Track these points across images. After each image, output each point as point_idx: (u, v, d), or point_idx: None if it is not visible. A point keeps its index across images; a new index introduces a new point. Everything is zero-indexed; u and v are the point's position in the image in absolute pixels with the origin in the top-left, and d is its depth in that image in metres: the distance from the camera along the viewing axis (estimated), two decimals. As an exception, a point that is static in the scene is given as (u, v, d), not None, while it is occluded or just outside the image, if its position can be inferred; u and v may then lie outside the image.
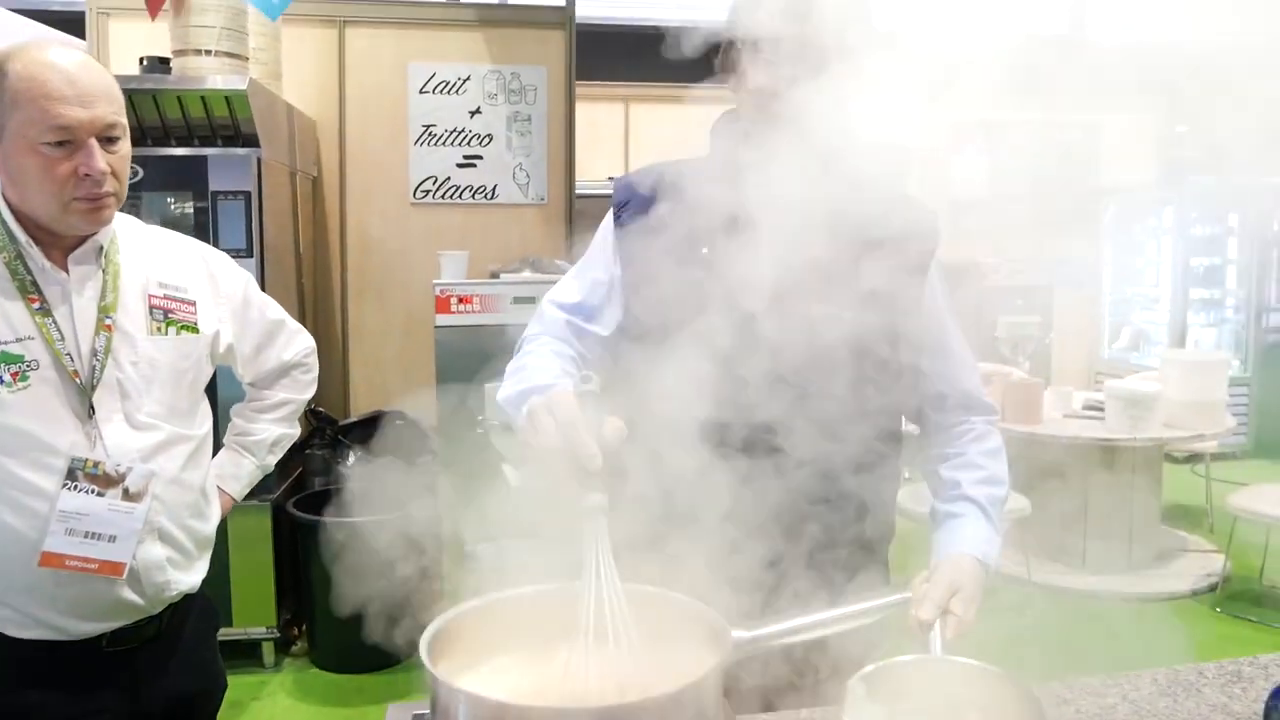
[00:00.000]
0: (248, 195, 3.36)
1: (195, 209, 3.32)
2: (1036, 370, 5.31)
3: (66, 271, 1.44)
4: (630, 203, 1.38)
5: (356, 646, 3.68)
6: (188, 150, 3.31)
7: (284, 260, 3.67)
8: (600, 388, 1.05)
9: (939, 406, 1.42)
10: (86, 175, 1.37)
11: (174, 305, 1.54)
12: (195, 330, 1.56)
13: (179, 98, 3.17)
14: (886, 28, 1.30)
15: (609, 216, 1.41)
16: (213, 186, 3.35)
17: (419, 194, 4.20)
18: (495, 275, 3.76)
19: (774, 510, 1.23)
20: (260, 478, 1.86)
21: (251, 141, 3.37)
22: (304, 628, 3.80)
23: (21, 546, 1.39)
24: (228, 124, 3.35)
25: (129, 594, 1.47)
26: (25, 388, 1.38)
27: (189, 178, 3.30)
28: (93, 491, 1.40)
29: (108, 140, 1.40)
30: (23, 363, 1.38)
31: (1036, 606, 4.07)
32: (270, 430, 1.84)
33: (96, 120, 1.38)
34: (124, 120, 1.44)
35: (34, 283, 1.42)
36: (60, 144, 1.36)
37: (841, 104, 1.20)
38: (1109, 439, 4.37)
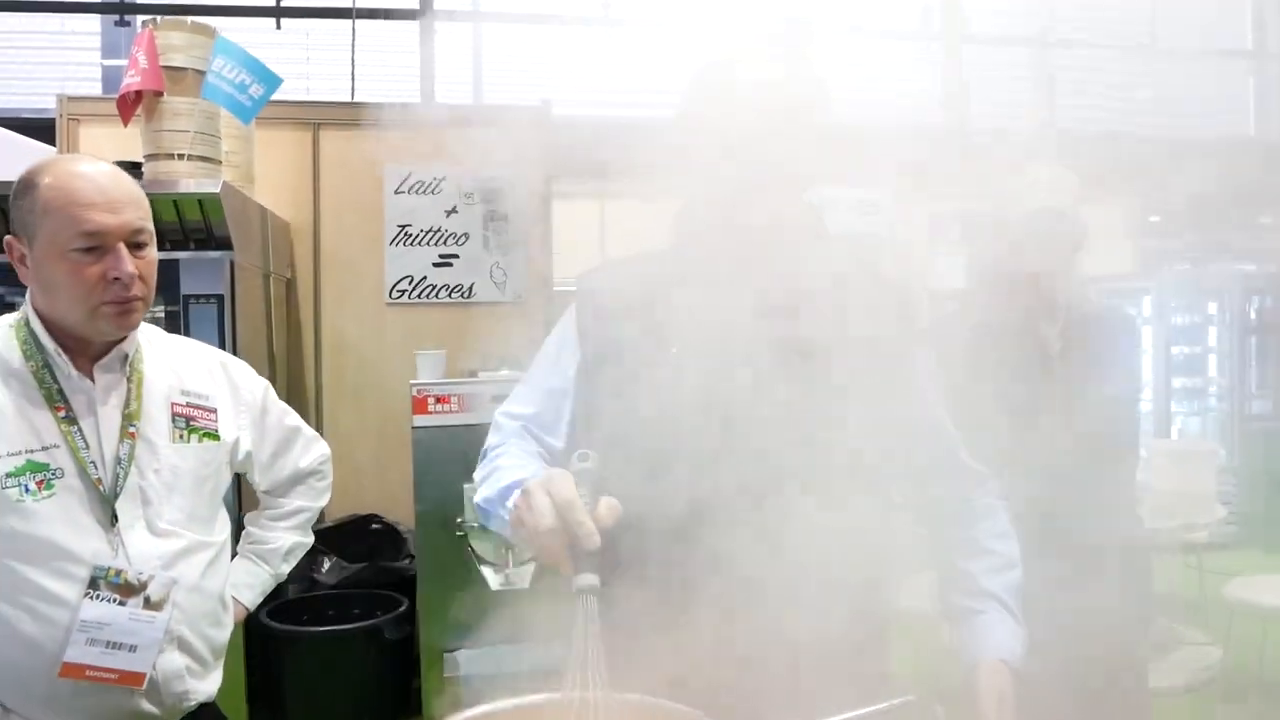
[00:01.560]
0: (220, 299, 3.35)
1: (167, 313, 3.31)
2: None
3: (92, 380, 1.47)
4: (593, 303, 1.37)
5: (334, 759, 3.58)
6: (159, 254, 3.29)
7: (257, 364, 3.61)
8: (596, 464, 1.05)
9: (938, 486, 1.40)
10: (115, 279, 1.42)
11: (196, 413, 1.57)
12: (216, 438, 1.59)
13: (151, 202, 3.16)
14: (846, 119, 1.32)
15: (568, 316, 1.40)
16: (185, 290, 3.35)
17: (395, 294, 4.21)
18: (473, 374, 3.75)
19: (761, 610, 1.18)
20: (273, 586, 1.86)
21: (224, 244, 3.38)
22: (278, 742, 3.66)
23: (40, 657, 1.38)
24: (200, 227, 3.36)
25: (146, 705, 1.45)
26: (50, 496, 1.40)
27: (161, 282, 3.25)
28: (114, 600, 1.41)
29: (135, 246, 1.45)
30: (48, 471, 1.40)
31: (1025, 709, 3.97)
32: (285, 538, 1.84)
33: (125, 226, 1.43)
34: (151, 227, 1.50)
35: (60, 391, 1.44)
36: (89, 250, 1.40)
37: (800, 196, 1.22)
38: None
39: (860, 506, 1.21)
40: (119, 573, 1.41)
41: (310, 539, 1.91)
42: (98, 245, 1.41)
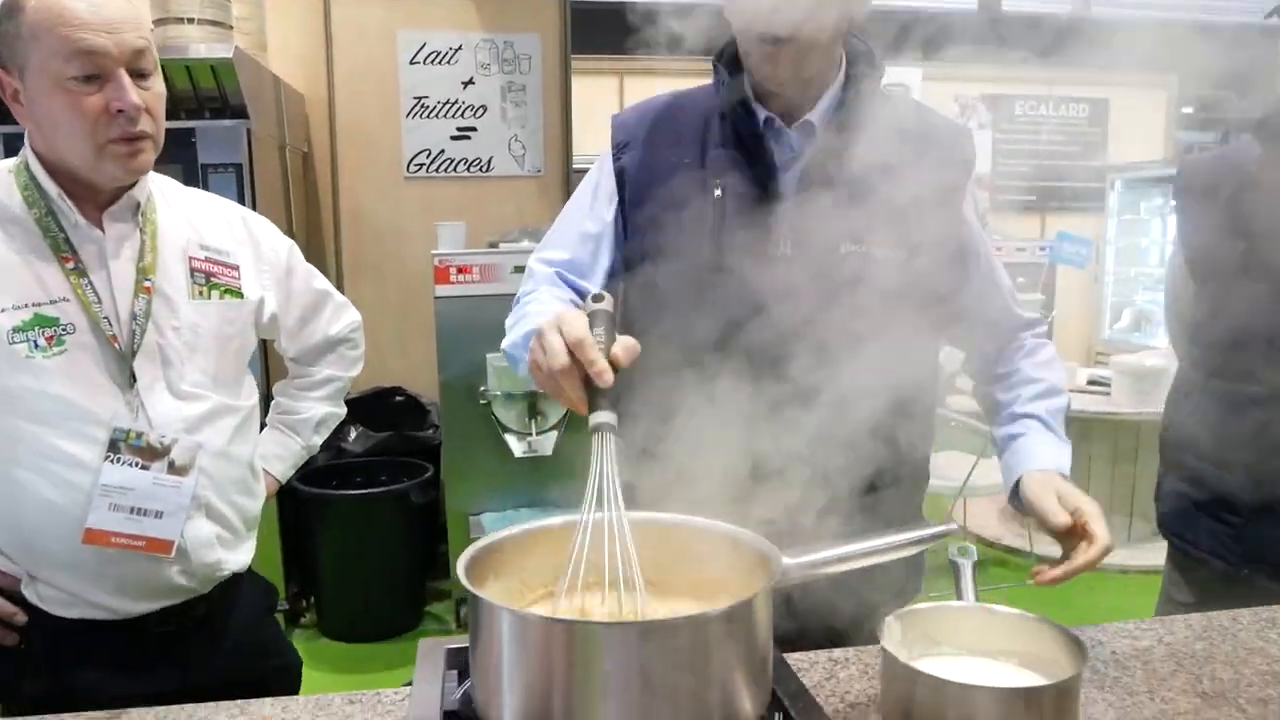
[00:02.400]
0: (239, 168, 3.31)
1: (185, 184, 3.27)
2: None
3: (102, 230, 1.37)
4: (630, 143, 1.36)
5: (365, 616, 3.75)
6: (174, 123, 3.23)
7: (276, 237, 3.63)
8: (613, 307, 1.04)
9: (985, 323, 1.41)
10: (120, 111, 1.28)
11: (216, 269, 1.47)
12: (239, 295, 1.49)
13: (162, 68, 3.11)
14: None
15: (603, 161, 1.39)
16: (202, 159, 3.30)
17: (413, 168, 4.17)
18: (494, 245, 3.74)
19: (797, 446, 1.19)
20: (305, 459, 1.80)
21: (240, 113, 3.32)
22: (312, 600, 3.84)
23: (62, 522, 1.33)
24: (215, 95, 3.30)
25: (177, 575, 1.41)
26: (61, 353, 1.31)
27: (177, 151, 3.24)
28: (137, 464, 1.34)
29: (138, 75, 1.31)
30: (58, 326, 1.31)
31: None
32: (316, 409, 1.78)
33: (124, 47, 1.28)
34: (154, 53, 1.35)
35: (67, 240, 1.34)
36: (88, 79, 1.27)
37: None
38: (1114, 413, 4.38)
39: (905, 339, 1.21)
40: (140, 435, 1.34)
41: (342, 410, 1.85)
42: (96, 73, 1.27)
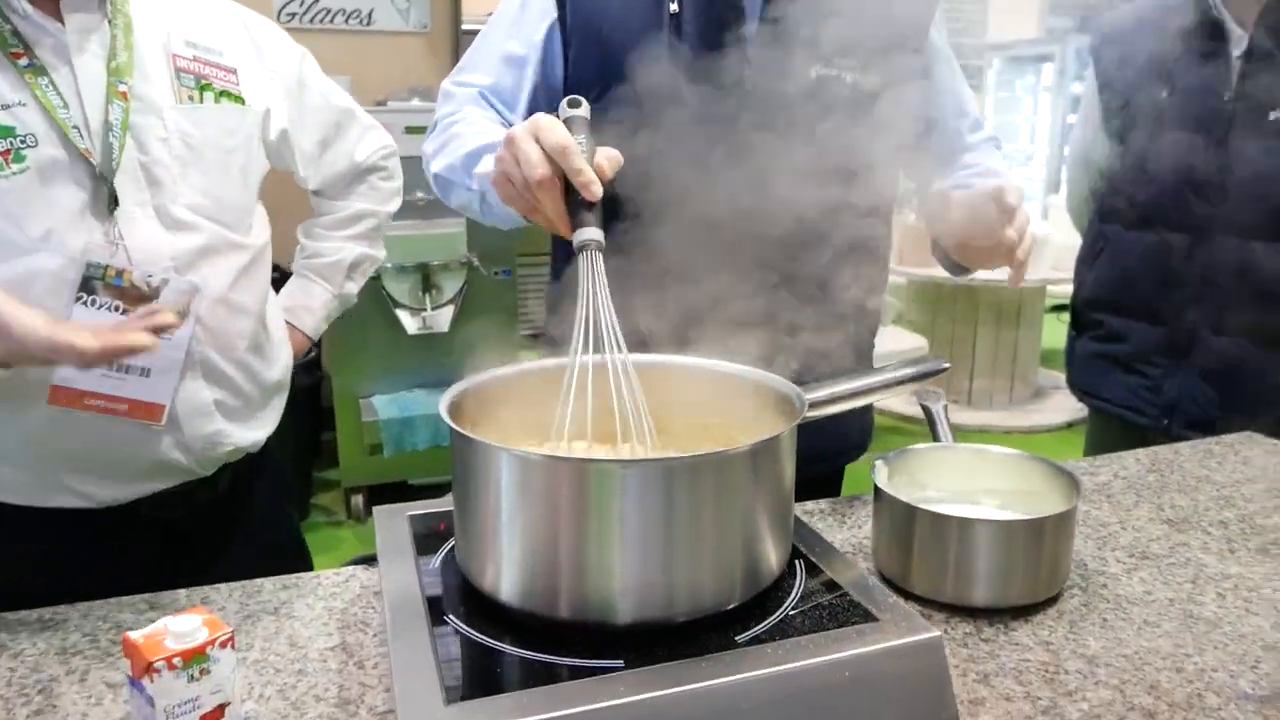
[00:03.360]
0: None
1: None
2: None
3: (61, 21, 1.09)
4: None
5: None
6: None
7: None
8: (588, 112, 0.92)
9: (943, 153, 1.36)
10: None
11: (208, 70, 1.20)
12: (240, 100, 1.22)
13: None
14: None
15: None
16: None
17: (285, 16, 3.81)
18: (382, 103, 3.49)
19: (760, 281, 1.11)
20: (340, 311, 1.54)
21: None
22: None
23: (23, 380, 1.06)
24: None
25: (171, 450, 1.16)
26: (22, 171, 1.04)
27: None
28: (116, 309, 1.08)
29: None
30: (14, 137, 1.04)
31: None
32: (347, 249, 1.51)
33: None
34: None
35: (15, 33, 1.06)
36: None
37: None
38: (998, 281, 4.52)
39: (872, 168, 1.14)
40: (120, 273, 1.08)
41: (381, 253, 1.57)
42: None
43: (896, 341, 4.25)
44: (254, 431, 1.27)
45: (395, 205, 1.56)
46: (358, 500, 3.56)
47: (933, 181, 1.39)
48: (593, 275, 0.83)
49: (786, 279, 1.12)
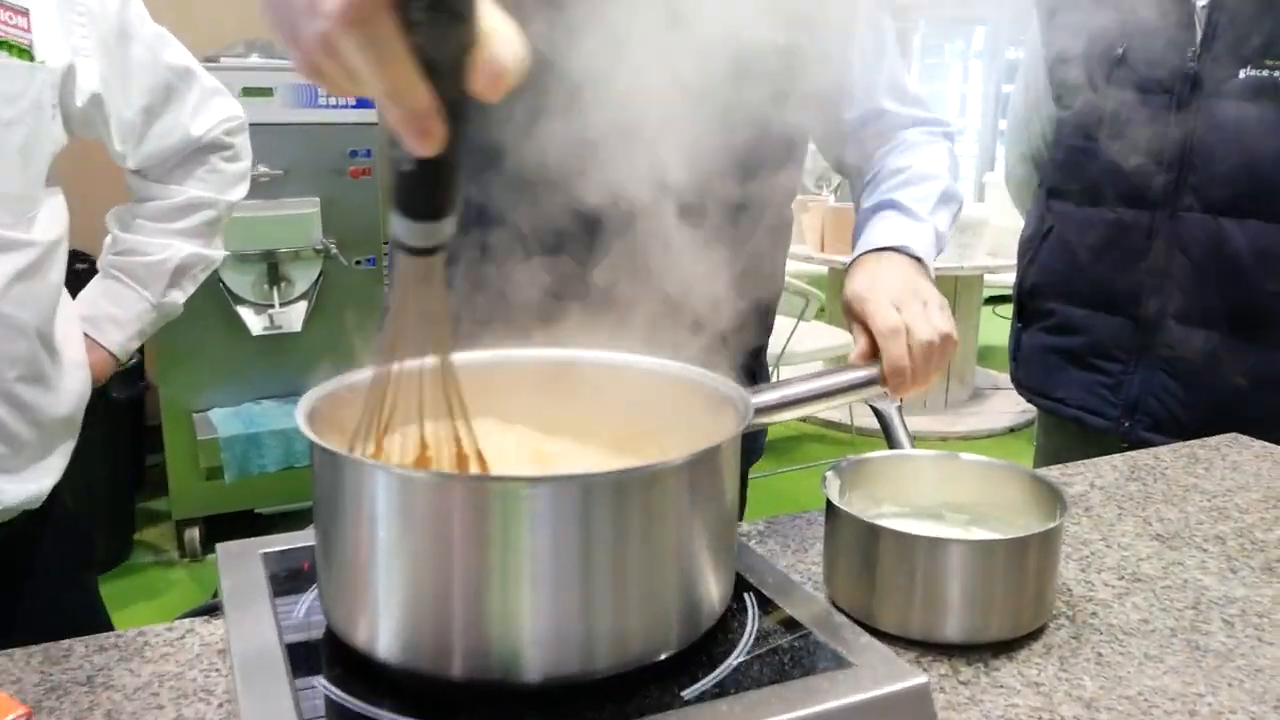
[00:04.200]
0: None
1: None
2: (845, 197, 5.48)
3: None
4: None
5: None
6: None
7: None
8: None
9: (860, 118, 1.31)
10: None
11: None
12: (26, 55, 1.09)
13: None
14: None
15: None
16: None
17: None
18: (213, 61, 3.33)
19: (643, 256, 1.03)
20: (159, 325, 1.43)
21: None
22: None
23: None
24: None
25: None
26: None
27: None
28: None
29: None
30: None
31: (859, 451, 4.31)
32: (174, 248, 1.39)
33: None
34: None
35: None
36: None
37: None
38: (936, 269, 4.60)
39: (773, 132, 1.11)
40: None
41: (219, 254, 1.45)
42: None
43: (818, 338, 4.28)
44: (29, 484, 1.15)
45: (240, 193, 1.46)
46: (193, 535, 3.44)
47: (850, 162, 1.37)
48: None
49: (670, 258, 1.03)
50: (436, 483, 0.69)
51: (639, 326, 0.95)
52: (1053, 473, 1.35)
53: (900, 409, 1.17)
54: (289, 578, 0.88)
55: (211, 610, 0.94)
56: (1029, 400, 1.95)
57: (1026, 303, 1.94)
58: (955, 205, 1.30)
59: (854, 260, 1.21)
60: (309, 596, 0.84)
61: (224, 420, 3.33)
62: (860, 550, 0.92)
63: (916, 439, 1.11)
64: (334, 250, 3.35)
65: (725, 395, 0.85)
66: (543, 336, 0.93)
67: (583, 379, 0.91)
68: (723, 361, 0.93)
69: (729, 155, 1.01)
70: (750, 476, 1.47)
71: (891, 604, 0.90)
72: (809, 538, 1.12)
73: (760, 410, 0.92)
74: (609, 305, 0.97)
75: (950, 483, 1.05)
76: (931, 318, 1.08)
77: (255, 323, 3.31)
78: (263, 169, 3.08)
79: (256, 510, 3.49)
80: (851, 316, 1.14)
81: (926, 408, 4.89)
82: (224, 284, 3.25)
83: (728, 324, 1.02)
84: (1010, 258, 4.75)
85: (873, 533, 0.91)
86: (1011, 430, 4.75)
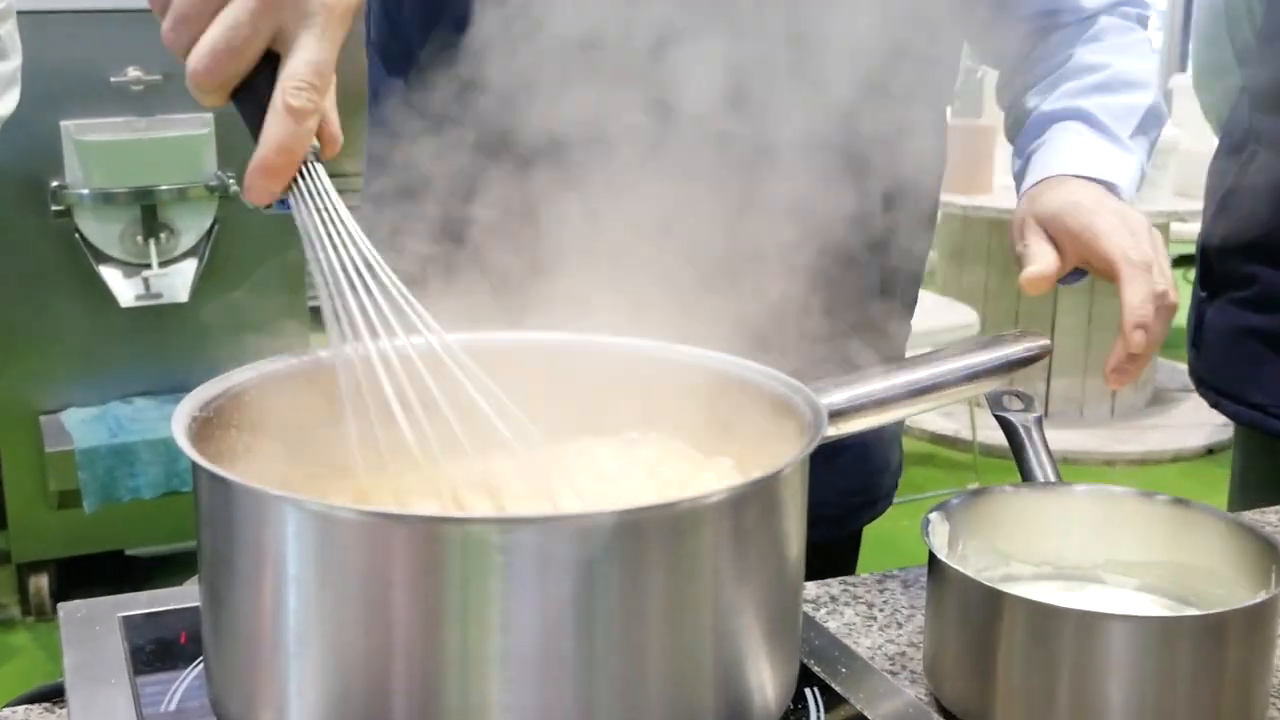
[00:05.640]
0: None
1: None
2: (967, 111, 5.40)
3: None
4: None
5: None
6: None
7: None
8: None
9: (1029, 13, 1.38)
10: None
11: None
12: None
13: None
14: None
15: None
16: None
17: None
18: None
19: (749, 224, 1.11)
20: None
21: None
22: None
23: None
24: None
25: None
26: None
27: None
28: None
29: None
30: None
31: (981, 480, 4.33)
32: None
33: None
34: None
35: None
36: None
37: None
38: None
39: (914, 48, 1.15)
40: None
41: None
42: None
43: (933, 315, 4.29)
44: None
45: (9, 104, 1.57)
46: (39, 584, 3.56)
47: (1011, 63, 1.44)
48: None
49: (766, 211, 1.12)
50: (370, 524, 0.71)
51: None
52: (1269, 518, 1.35)
53: (1041, 421, 1.18)
54: (158, 652, 0.92)
55: (57, 694, 0.96)
56: (1213, 405, 1.96)
57: (1215, 263, 1.93)
58: (1156, 132, 1.37)
59: (1034, 183, 1.28)
60: (186, 678, 0.88)
61: (82, 426, 3.41)
62: (977, 626, 0.94)
63: (1066, 464, 1.13)
64: (234, 188, 3.39)
65: (787, 399, 0.88)
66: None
67: (593, 371, 0.96)
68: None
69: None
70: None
71: (1021, 707, 0.92)
72: (904, 606, 1.14)
73: (838, 415, 0.93)
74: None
75: (1114, 530, 1.07)
76: (1165, 266, 1.14)
77: (125, 290, 3.37)
78: (133, 72, 3.11)
79: (127, 551, 3.56)
80: (1042, 232, 1.19)
81: (1084, 417, 4.88)
82: (81, 234, 3.30)
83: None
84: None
85: (995, 601, 0.93)
86: (1210, 451, 4.72)
